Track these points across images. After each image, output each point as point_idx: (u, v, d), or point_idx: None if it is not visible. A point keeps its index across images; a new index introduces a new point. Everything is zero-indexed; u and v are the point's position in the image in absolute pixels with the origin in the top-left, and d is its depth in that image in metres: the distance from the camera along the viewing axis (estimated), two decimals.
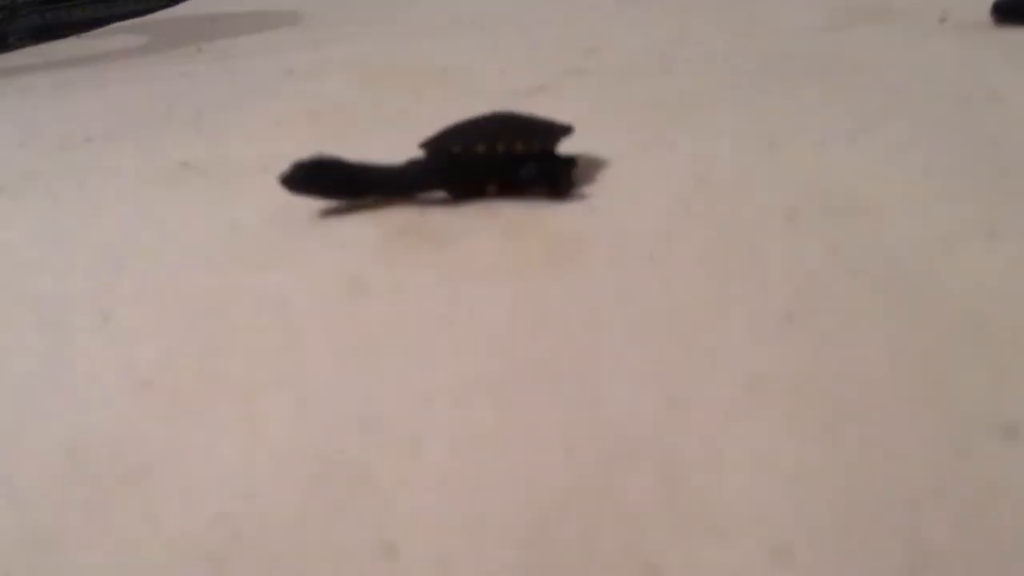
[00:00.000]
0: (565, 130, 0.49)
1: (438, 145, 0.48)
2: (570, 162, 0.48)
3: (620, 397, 0.29)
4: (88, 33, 1.48)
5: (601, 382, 0.30)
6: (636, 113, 0.61)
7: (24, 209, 0.56)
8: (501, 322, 0.35)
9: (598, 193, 0.47)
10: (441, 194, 0.48)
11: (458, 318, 0.36)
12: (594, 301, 0.35)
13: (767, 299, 0.33)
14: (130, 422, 0.32)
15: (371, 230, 0.46)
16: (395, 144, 0.50)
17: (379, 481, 0.27)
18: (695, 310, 0.34)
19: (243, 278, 0.42)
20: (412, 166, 0.48)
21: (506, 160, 0.47)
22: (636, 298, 0.35)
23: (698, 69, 0.71)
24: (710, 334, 0.32)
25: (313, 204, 0.50)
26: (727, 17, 0.89)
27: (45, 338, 0.39)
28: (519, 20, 1.05)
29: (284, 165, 0.48)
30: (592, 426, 0.28)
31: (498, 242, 0.42)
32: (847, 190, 0.43)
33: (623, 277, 0.37)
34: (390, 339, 0.35)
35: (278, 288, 0.41)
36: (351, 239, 0.45)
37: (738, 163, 0.48)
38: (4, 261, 0.47)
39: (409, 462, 0.28)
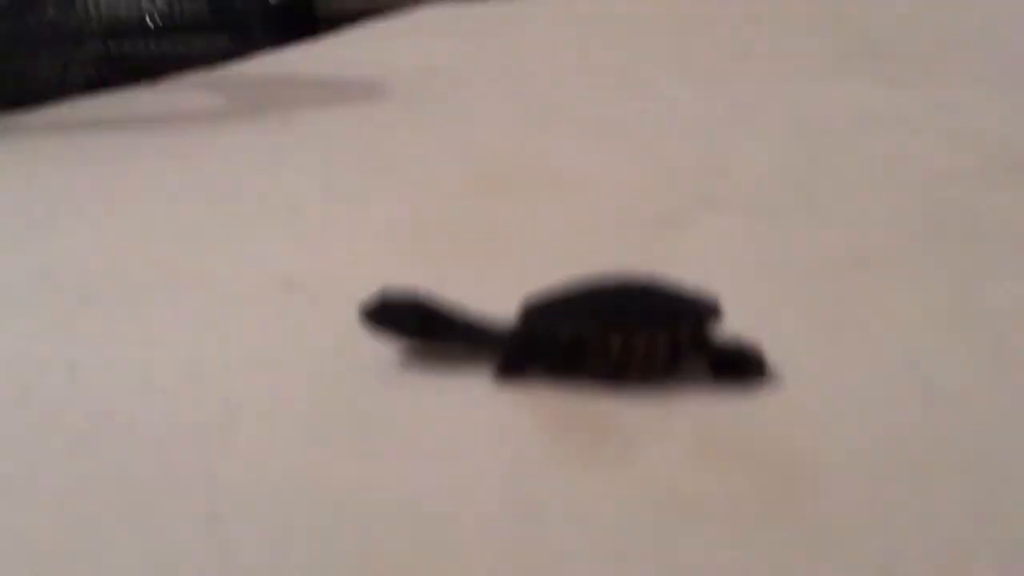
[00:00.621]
0: (710, 313, 0.41)
1: (544, 319, 0.41)
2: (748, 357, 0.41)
3: None
4: (160, 84, 1.44)
5: None
6: (798, 271, 0.53)
7: (113, 331, 0.49)
8: None
9: (789, 390, 0.40)
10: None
11: None
12: None
13: None
14: None
15: (526, 417, 0.38)
16: (510, 264, 0.43)
17: None
18: None
19: (378, 467, 0.35)
20: (514, 332, 0.41)
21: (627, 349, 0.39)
22: None
23: (850, 211, 0.64)
24: None
25: (441, 358, 0.43)
26: (858, 145, 0.82)
27: (140, 542, 0.31)
28: (629, 123, 0.98)
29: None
30: None
31: (692, 457, 0.35)
32: None
33: (889, 544, 0.29)
34: None
35: (423, 489, 0.33)
36: (503, 424, 0.38)
37: (968, 366, 0.41)
38: (89, 411, 0.40)
39: None
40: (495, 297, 0.44)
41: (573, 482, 0.34)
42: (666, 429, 0.37)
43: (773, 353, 0.42)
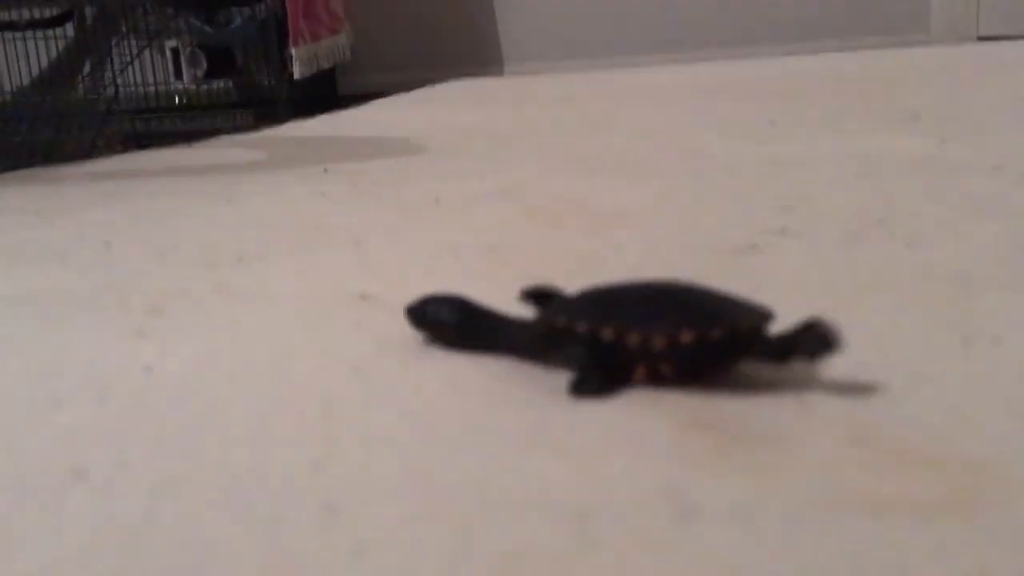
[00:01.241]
0: (762, 317, 0.37)
1: (559, 314, 0.39)
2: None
3: None
4: (199, 143, 1.44)
5: None
6: (901, 287, 0.51)
7: (187, 337, 0.46)
8: None
9: (926, 392, 0.36)
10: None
11: None
12: None
13: None
14: None
15: (653, 420, 0.35)
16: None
17: None
18: None
19: (516, 466, 0.32)
20: (541, 335, 0.39)
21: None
22: None
23: (939, 238, 0.61)
24: None
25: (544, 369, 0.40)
26: (931, 185, 0.80)
27: (255, 538, 0.28)
28: (674, 170, 0.96)
29: None
30: None
31: (849, 456, 0.32)
32: None
33: None
34: None
35: (564, 489, 0.30)
36: (631, 427, 0.34)
37: None
38: (179, 413, 0.37)
39: None
40: None
41: (723, 479, 0.30)
42: (809, 429, 0.34)
43: (902, 361, 0.40)
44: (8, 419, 0.37)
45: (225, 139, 1.51)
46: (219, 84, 3.04)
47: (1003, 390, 0.36)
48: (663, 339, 0.36)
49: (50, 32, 3.09)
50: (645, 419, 0.35)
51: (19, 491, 0.31)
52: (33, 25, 3.02)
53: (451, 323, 0.42)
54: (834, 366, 0.38)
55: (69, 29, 3.12)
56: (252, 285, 0.55)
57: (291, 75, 2.66)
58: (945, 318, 0.45)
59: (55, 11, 2.99)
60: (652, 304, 0.37)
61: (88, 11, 3.06)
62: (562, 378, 0.38)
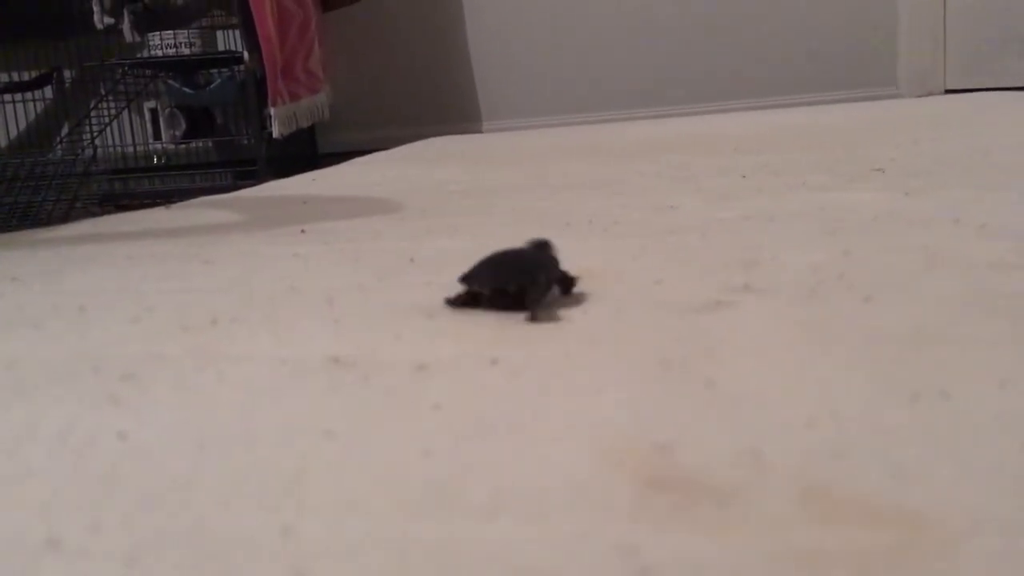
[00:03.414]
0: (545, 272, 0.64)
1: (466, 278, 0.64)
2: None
3: None
4: (176, 204, 1.45)
5: None
6: (856, 343, 0.52)
7: (161, 403, 0.47)
8: None
9: (879, 449, 0.38)
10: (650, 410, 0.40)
11: None
12: None
13: None
14: None
15: (616, 481, 0.36)
16: (559, 343, 0.41)
17: None
18: None
19: (470, 532, 0.33)
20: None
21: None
22: None
23: (898, 294, 0.63)
24: None
25: (510, 431, 0.41)
26: (892, 239, 0.82)
27: None
28: (644, 227, 0.99)
29: (445, 367, 0.46)
30: None
31: (793, 505, 0.33)
32: None
33: None
34: None
35: (527, 551, 0.31)
36: (593, 489, 0.36)
37: None
38: (146, 471, 0.38)
39: None
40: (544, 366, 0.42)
41: (685, 540, 0.32)
42: (762, 485, 0.35)
43: (852, 416, 0.41)
44: None
45: (203, 200, 1.53)
46: (198, 144, 3.07)
47: (948, 444, 0.38)
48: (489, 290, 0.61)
49: (29, 94, 3.11)
50: (607, 480, 0.36)
51: None
52: (12, 88, 3.05)
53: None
54: (789, 424, 0.40)
55: (48, 91, 3.15)
56: (226, 348, 0.56)
57: (270, 134, 2.68)
58: (895, 372, 0.47)
59: (34, 74, 3.02)
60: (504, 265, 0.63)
61: (67, 73, 3.09)
62: (531, 439, 0.39)
